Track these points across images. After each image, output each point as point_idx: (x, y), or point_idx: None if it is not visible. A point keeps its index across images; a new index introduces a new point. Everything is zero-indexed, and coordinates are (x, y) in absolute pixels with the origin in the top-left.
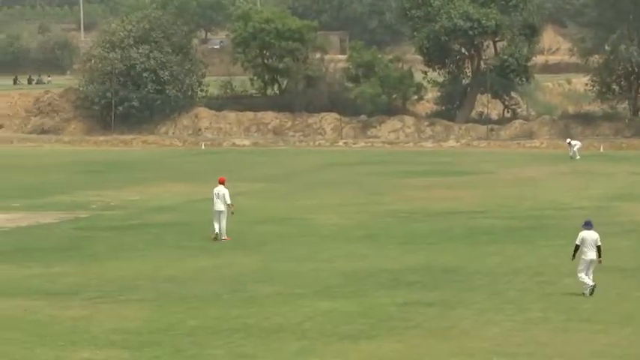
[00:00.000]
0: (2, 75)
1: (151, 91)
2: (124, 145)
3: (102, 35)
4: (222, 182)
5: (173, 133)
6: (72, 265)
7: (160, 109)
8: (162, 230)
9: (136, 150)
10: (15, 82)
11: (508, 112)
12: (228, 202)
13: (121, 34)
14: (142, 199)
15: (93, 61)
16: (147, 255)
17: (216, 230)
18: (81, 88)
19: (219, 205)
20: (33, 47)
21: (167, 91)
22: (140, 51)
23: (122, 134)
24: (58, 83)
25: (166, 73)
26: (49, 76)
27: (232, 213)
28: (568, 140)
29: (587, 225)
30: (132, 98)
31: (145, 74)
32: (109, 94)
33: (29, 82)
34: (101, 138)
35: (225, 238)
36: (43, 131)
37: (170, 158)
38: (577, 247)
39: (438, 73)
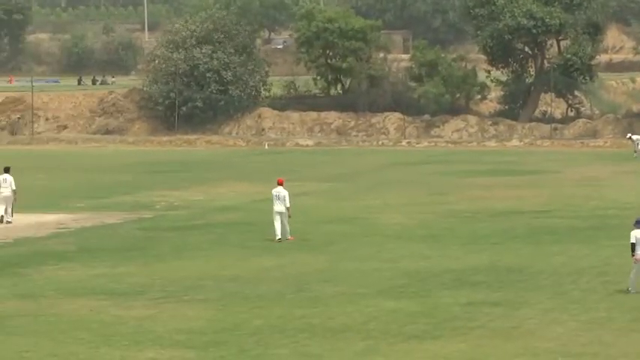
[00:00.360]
0: (67, 76)
1: (215, 91)
2: (188, 145)
3: (165, 35)
4: (281, 183)
5: (237, 133)
6: (136, 266)
7: (223, 110)
8: (226, 230)
9: (200, 150)
10: (79, 83)
11: (572, 111)
12: (288, 205)
13: (185, 34)
14: (206, 199)
15: (157, 61)
16: (211, 255)
17: (277, 232)
18: (145, 89)
19: (280, 207)
20: (97, 48)
21: (230, 92)
22: (203, 51)
23: (186, 134)
24: (122, 84)
25: (229, 74)
26: (113, 77)
27: (289, 216)
28: (629, 135)
29: (638, 224)
30: (195, 98)
31: (208, 74)
32: (172, 95)
33: (93, 82)
34: (165, 138)
35: (290, 237)
36: (108, 132)
37: (234, 158)
38: (633, 246)
39: (502, 72)
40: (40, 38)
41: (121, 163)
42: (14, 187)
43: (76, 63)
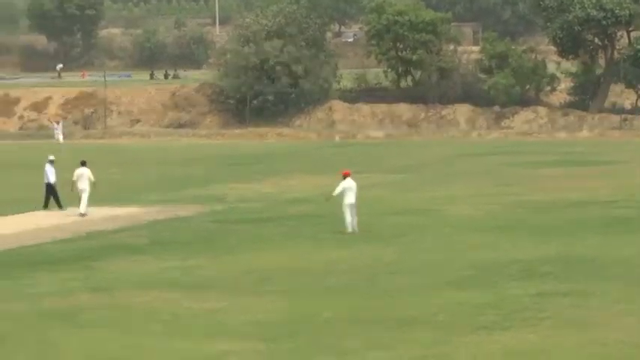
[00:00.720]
0: (139, 70)
1: (285, 84)
2: (259, 139)
3: (236, 30)
4: (347, 175)
5: (308, 126)
6: (208, 258)
7: (294, 103)
8: (297, 222)
9: (271, 143)
10: (151, 77)
11: None
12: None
13: (255, 28)
14: (277, 191)
15: (228, 55)
16: (282, 247)
17: (348, 225)
18: (216, 83)
19: (352, 199)
20: (169, 42)
21: (301, 85)
22: (274, 45)
23: (257, 127)
24: (193, 77)
25: (300, 67)
26: (184, 71)
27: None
28: None
29: None
30: (266, 92)
31: (278, 68)
32: (243, 88)
33: (165, 76)
34: (236, 131)
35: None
36: (180, 125)
37: (305, 151)
38: None
39: (571, 63)
40: (112, 33)
41: (193, 156)
42: (93, 179)
43: (148, 57)
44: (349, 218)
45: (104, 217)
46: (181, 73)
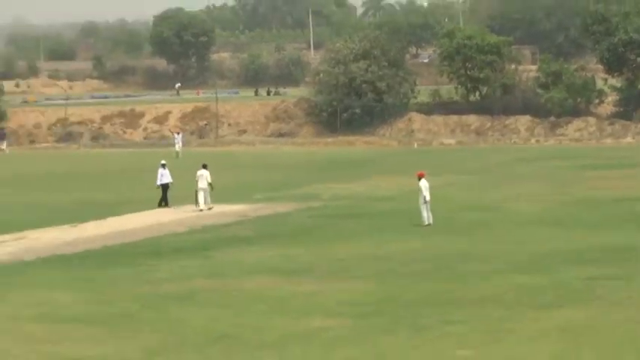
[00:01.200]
0: (245, 88)
1: (371, 99)
2: (349, 146)
3: (328, 53)
4: (423, 176)
5: (390, 135)
6: (305, 248)
7: (378, 115)
8: (381, 217)
9: (359, 149)
10: (256, 94)
11: None
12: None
13: (345, 51)
14: (365, 190)
15: (321, 75)
16: (369, 238)
17: (426, 218)
18: (311, 98)
19: (427, 196)
20: (270, 64)
21: (384, 99)
22: (360, 66)
23: (346, 136)
24: (292, 94)
25: (383, 84)
26: (284, 88)
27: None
28: None
29: None
30: (354, 106)
31: (364, 85)
32: (334, 103)
33: (268, 93)
34: (329, 140)
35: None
36: (280, 135)
37: (388, 156)
38: None
39: (617, 79)
40: (222, 57)
41: (292, 161)
42: (209, 180)
43: (253, 77)
44: (425, 213)
45: (217, 213)
46: (281, 90)
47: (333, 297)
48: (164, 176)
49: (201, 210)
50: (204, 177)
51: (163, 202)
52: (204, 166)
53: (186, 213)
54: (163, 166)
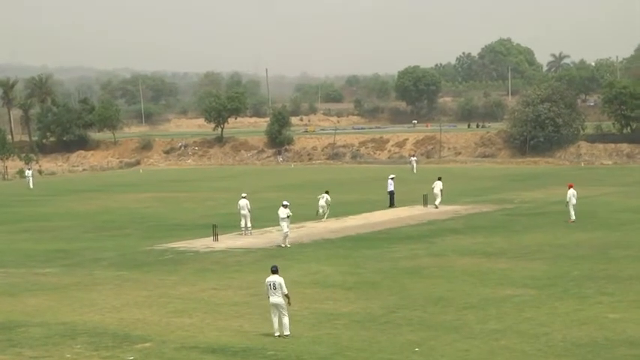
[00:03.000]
0: (461, 123)
1: (551, 131)
2: (534, 164)
3: (521, 97)
4: (572, 186)
5: (564, 157)
6: (500, 237)
7: (556, 142)
8: (556, 215)
9: (541, 167)
10: (468, 127)
11: None
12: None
13: (533, 96)
14: (545, 196)
15: (515, 113)
16: (547, 231)
17: (572, 216)
18: (507, 130)
19: (573, 201)
20: (480, 105)
21: (561, 131)
22: (544, 106)
23: (532, 158)
24: (494, 127)
25: (560, 120)
26: (489, 123)
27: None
28: None
29: None
30: (539, 136)
31: (546, 121)
32: (524, 133)
33: (477, 126)
34: (519, 160)
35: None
36: (485, 156)
37: (562, 172)
38: None
39: None
40: (445, 100)
41: (492, 175)
42: (442, 187)
43: (467, 115)
44: (572, 212)
45: (439, 212)
46: (487, 124)
47: (520, 273)
48: (390, 185)
49: (436, 206)
50: (438, 186)
51: (390, 202)
52: (440, 178)
53: (418, 211)
54: (392, 179)
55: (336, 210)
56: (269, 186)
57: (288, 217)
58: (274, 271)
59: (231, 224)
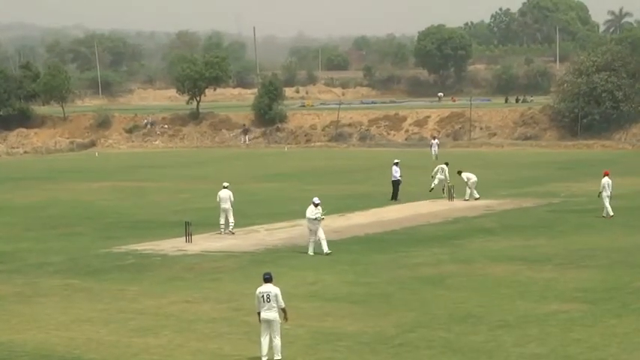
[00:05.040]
0: (496, 96)
1: (609, 107)
2: (587, 149)
3: (572, 65)
4: (607, 174)
5: (625, 139)
6: (543, 239)
7: (615, 121)
8: (614, 212)
9: (596, 152)
10: (506, 101)
11: None
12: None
13: (587, 64)
14: (599, 189)
15: (565, 84)
16: (601, 231)
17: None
18: (555, 106)
19: (607, 191)
20: (520, 75)
21: (621, 107)
22: (600, 76)
23: (585, 140)
24: (538, 102)
25: (621, 94)
26: (531, 97)
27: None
28: None
29: None
30: (594, 113)
31: (604, 94)
32: (576, 110)
33: (517, 101)
34: (569, 143)
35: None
36: (526, 138)
37: (622, 158)
38: None
39: None
40: (477, 68)
41: (535, 161)
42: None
43: (504, 86)
44: (608, 205)
45: (467, 206)
46: (529, 98)
47: (568, 284)
48: (396, 172)
49: (467, 200)
50: (472, 180)
51: (394, 195)
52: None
53: (441, 205)
54: (396, 164)
55: (340, 205)
56: (257, 175)
57: (316, 219)
58: (268, 279)
59: (209, 222)
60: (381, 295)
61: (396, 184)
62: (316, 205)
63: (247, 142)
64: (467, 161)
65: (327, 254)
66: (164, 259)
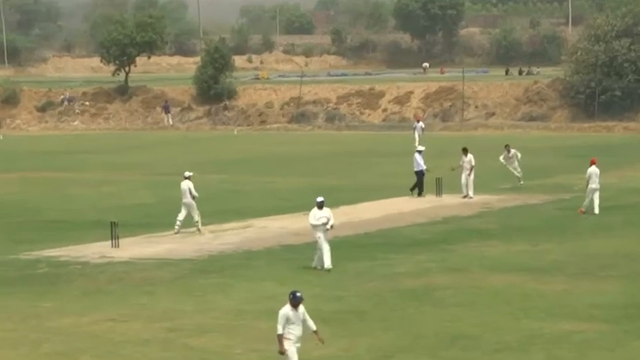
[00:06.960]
0: (495, 67)
1: (632, 81)
2: (606, 132)
3: (587, 29)
4: (594, 163)
5: None
6: (554, 243)
7: (639, 98)
8: (636, 211)
9: (617, 136)
10: (507, 73)
11: None
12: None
13: (606, 28)
14: (619, 181)
15: (579, 53)
16: (622, 234)
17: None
18: (567, 79)
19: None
20: (524, 40)
21: None
22: (622, 43)
23: (604, 121)
24: (545, 74)
25: None
26: (538, 68)
27: None
28: None
29: None
30: (614, 88)
31: (626, 65)
32: (592, 84)
33: (520, 73)
34: (585, 125)
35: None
36: (531, 118)
37: None
38: None
39: None
40: (471, 32)
41: (543, 147)
42: (473, 163)
43: (504, 55)
44: (594, 199)
45: (459, 203)
46: (535, 69)
47: (583, 298)
48: (420, 160)
49: (470, 197)
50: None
51: (419, 190)
52: (466, 150)
53: (428, 203)
54: (420, 152)
55: (301, 201)
56: (200, 163)
57: (324, 224)
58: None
59: (141, 221)
60: (353, 313)
61: (420, 175)
62: (321, 207)
63: (171, 121)
64: (458, 147)
65: (328, 270)
66: (85, 267)
